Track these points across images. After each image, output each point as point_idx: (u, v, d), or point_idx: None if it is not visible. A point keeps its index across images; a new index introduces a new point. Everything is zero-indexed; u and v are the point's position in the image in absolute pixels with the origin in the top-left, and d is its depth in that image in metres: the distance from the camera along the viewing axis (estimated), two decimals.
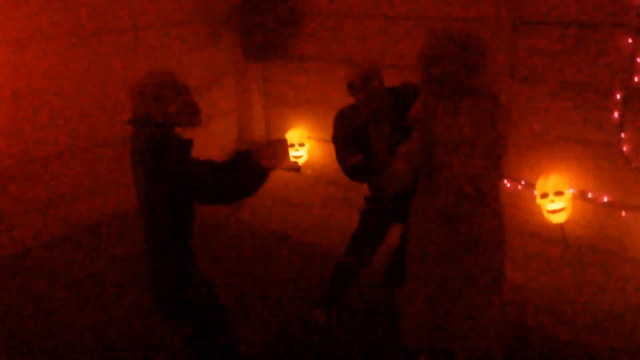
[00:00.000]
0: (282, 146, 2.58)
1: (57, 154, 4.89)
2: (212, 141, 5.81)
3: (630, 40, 3.85)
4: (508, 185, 4.58)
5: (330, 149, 3.52)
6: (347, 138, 3.34)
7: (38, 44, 4.60)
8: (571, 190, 4.33)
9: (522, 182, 4.58)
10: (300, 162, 5.96)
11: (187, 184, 2.36)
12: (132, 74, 2.57)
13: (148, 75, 2.50)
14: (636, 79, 3.90)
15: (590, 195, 4.32)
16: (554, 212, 4.29)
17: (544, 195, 4.30)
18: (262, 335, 3.63)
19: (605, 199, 4.25)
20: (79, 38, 4.84)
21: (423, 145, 2.87)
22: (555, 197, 4.26)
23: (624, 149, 4.05)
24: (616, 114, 4.02)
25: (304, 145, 5.98)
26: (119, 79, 4.88)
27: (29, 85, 4.60)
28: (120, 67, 5.01)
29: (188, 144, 2.47)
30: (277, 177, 3.30)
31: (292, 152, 5.87)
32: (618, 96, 3.98)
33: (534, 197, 4.43)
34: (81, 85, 4.91)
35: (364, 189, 3.59)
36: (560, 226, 4.39)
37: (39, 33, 4.58)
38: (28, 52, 4.55)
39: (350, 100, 3.37)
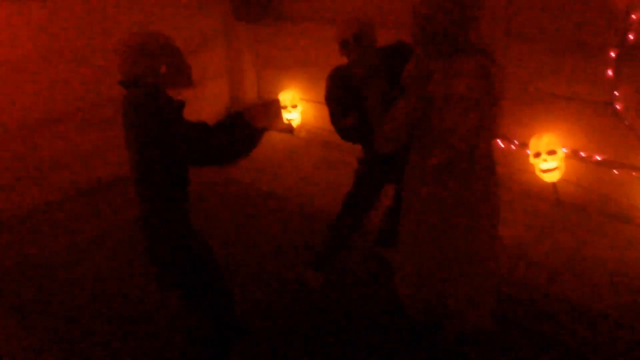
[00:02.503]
0: (275, 107, 2.54)
1: (49, 118, 4.84)
2: (205, 103, 5.81)
3: None
4: (501, 144, 4.58)
5: (324, 110, 3.49)
6: (340, 99, 3.31)
7: (28, 6, 4.52)
8: (564, 150, 4.34)
9: (516, 141, 4.58)
10: (294, 124, 5.94)
11: (179, 146, 2.34)
12: (122, 34, 2.51)
13: (138, 36, 2.45)
14: (630, 37, 3.87)
15: (583, 154, 4.33)
16: (546, 171, 4.31)
17: (537, 155, 4.32)
18: (258, 297, 3.66)
19: (598, 158, 4.27)
20: (68, 1, 4.75)
21: (417, 104, 2.85)
22: (548, 156, 4.27)
23: (617, 107, 4.05)
24: (610, 72, 4.00)
25: (297, 107, 5.95)
26: (108, 41, 4.81)
27: (17, 49, 4.53)
28: (109, 29, 4.93)
29: (180, 105, 2.44)
30: (271, 139, 3.29)
31: (285, 114, 5.84)
32: (612, 54, 3.96)
33: (527, 156, 4.45)
34: (70, 48, 4.84)
35: (358, 149, 3.58)
36: (553, 185, 4.41)
37: None
38: (17, 14, 4.46)
39: (343, 60, 3.33)
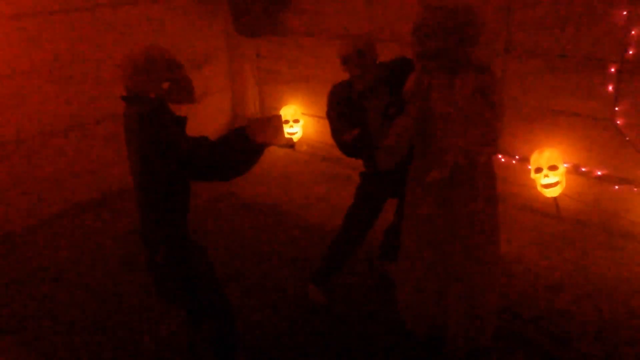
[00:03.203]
0: (277, 122, 2.55)
1: (52, 131, 4.86)
2: (207, 118, 5.82)
3: (624, 13, 3.83)
4: (502, 159, 4.59)
5: (325, 125, 3.51)
6: (341, 114, 3.32)
7: (30, 21, 4.55)
8: (565, 165, 4.34)
9: (517, 157, 4.59)
10: (295, 138, 5.95)
11: (181, 161, 2.36)
12: (125, 50, 2.53)
13: (141, 52, 2.47)
14: (630, 52, 3.89)
15: (583, 169, 4.34)
16: (548, 186, 4.31)
17: (538, 170, 4.32)
18: (259, 311, 3.65)
19: (599, 173, 4.27)
20: (71, 14, 4.79)
21: (417, 120, 2.87)
22: (549, 172, 4.28)
23: (618, 122, 4.06)
24: (610, 88, 4.02)
25: (299, 121, 5.97)
26: (112, 55, 4.85)
27: (20, 62, 4.56)
28: (112, 43, 4.97)
29: (182, 120, 2.46)
30: (272, 154, 3.30)
31: (286, 129, 5.86)
32: (612, 69, 3.98)
33: (528, 172, 4.45)
34: (73, 62, 4.87)
35: (359, 164, 3.59)
36: (554, 200, 4.41)
37: (31, 10, 4.53)
38: (19, 29, 4.50)
39: (345, 75, 3.35)
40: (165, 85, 2.47)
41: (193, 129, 2.53)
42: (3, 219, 4.65)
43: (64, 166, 4.96)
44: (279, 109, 6.04)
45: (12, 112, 4.59)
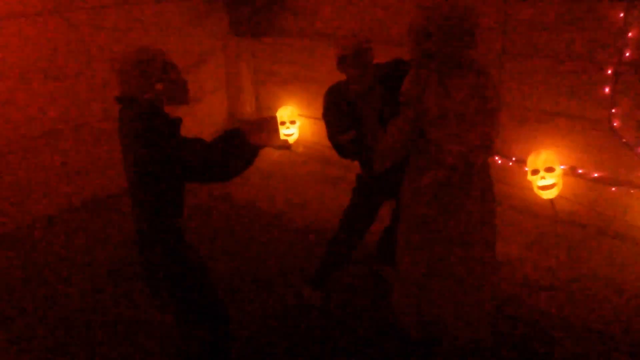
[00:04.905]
0: (272, 123, 2.54)
1: (46, 132, 4.84)
2: (202, 119, 5.81)
3: (621, 15, 3.83)
4: (499, 161, 4.58)
5: (322, 126, 3.50)
6: (337, 115, 3.31)
7: (24, 22, 4.54)
8: (562, 167, 4.34)
9: (513, 158, 4.58)
10: (292, 140, 5.94)
11: (175, 163, 2.34)
12: (119, 51, 2.51)
13: (135, 52, 2.45)
14: (627, 54, 3.89)
15: (580, 171, 4.33)
16: (544, 188, 4.31)
17: (535, 172, 4.31)
18: (254, 314, 3.63)
19: (596, 175, 4.27)
20: (67, 15, 4.77)
21: (413, 121, 2.86)
22: (546, 173, 4.27)
23: (615, 124, 4.05)
24: (607, 90, 4.01)
25: (295, 122, 5.95)
26: (107, 56, 4.83)
27: (15, 63, 4.54)
28: (107, 44, 4.95)
29: (176, 121, 2.44)
30: (267, 155, 3.29)
31: (283, 130, 5.85)
32: (609, 71, 3.97)
33: (524, 173, 4.44)
34: (68, 62, 4.86)
35: (356, 166, 3.57)
36: (551, 202, 4.41)
37: (26, 11, 4.52)
38: (13, 29, 4.49)
39: (341, 76, 3.34)
40: (160, 86, 2.46)
41: (188, 130, 2.51)
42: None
43: (57, 168, 4.94)
44: (275, 110, 6.03)
45: (8, 112, 4.57)
